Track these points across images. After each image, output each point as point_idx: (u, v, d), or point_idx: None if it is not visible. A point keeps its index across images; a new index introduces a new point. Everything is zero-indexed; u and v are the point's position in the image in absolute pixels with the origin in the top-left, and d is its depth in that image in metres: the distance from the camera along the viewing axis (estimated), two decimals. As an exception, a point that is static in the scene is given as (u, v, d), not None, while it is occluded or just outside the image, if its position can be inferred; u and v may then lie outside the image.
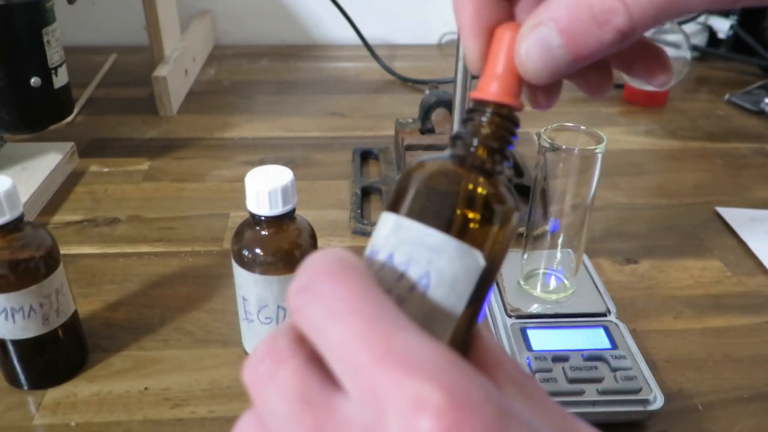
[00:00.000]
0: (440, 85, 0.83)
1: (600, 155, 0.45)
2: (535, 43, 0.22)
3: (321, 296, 0.19)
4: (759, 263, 0.59)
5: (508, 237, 0.25)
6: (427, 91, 0.75)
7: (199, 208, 0.66)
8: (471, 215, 0.23)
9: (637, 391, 0.42)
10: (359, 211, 0.64)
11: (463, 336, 0.23)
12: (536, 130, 0.47)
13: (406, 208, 0.23)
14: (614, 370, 0.43)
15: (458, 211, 0.23)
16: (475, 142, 0.25)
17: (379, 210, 0.66)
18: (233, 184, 0.70)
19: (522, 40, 0.22)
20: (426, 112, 0.69)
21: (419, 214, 0.23)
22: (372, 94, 0.96)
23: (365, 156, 0.77)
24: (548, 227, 0.49)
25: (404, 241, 0.23)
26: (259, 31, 1.16)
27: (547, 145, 0.45)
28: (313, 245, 0.43)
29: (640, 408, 0.42)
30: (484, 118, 0.25)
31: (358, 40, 1.04)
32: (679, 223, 0.65)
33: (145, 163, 0.74)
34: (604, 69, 0.26)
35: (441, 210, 0.23)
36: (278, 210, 0.41)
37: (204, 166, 0.74)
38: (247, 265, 0.42)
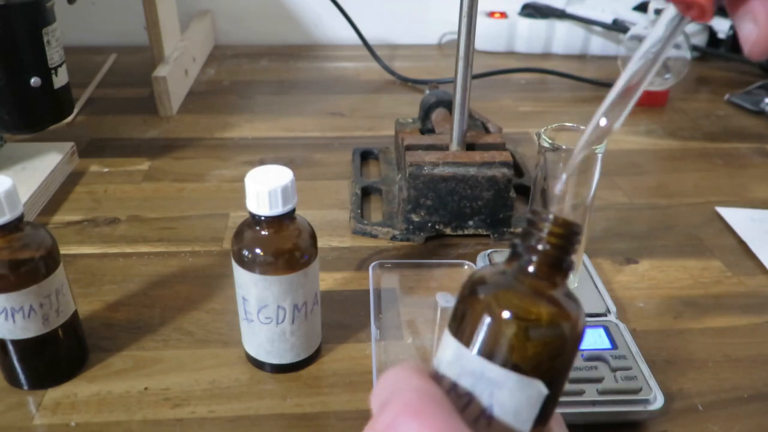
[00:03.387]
0: (440, 85, 0.83)
1: (600, 155, 0.45)
2: None
3: None
4: (759, 263, 0.59)
5: (574, 350, 0.24)
6: (427, 91, 0.75)
7: (199, 208, 0.66)
8: (533, 344, 0.23)
9: (637, 391, 0.42)
10: (359, 211, 0.64)
11: None
12: (536, 130, 0.47)
13: (465, 335, 0.23)
14: (614, 370, 0.43)
15: (519, 341, 0.23)
16: (535, 259, 0.24)
17: (379, 210, 0.66)
18: (233, 184, 0.70)
19: None
20: (426, 112, 0.69)
21: (478, 343, 0.23)
22: (372, 94, 0.96)
23: (365, 156, 0.77)
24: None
25: (466, 371, 0.23)
26: (259, 31, 1.16)
27: (547, 145, 0.45)
28: (313, 245, 0.43)
29: (640, 408, 0.42)
30: (543, 233, 0.24)
31: (358, 40, 1.04)
32: (679, 223, 0.65)
33: (145, 163, 0.74)
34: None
35: (501, 341, 0.23)
36: (278, 210, 0.41)
37: (204, 166, 0.74)
38: (247, 265, 0.42)
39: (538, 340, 0.23)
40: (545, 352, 0.23)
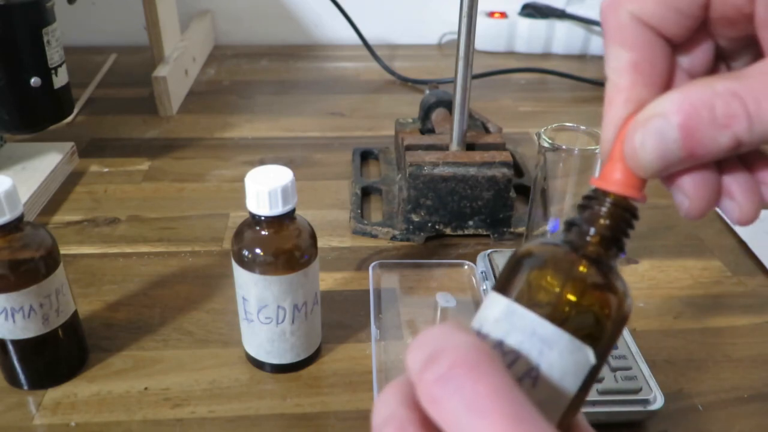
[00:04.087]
0: (440, 85, 0.84)
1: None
2: (652, 133, 0.21)
3: (462, 390, 0.19)
4: (759, 263, 0.59)
5: (619, 330, 0.24)
6: (427, 91, 0.75)
7: (199, 208, 0.66)
8: (585, 309, 0.23)
9: (637, 391, 0.42)
10: (359, 211, 0.64)
11: (567, 423, 0.23)
12: (536, 130, 0.47)
13: (518, 294, 0.23)
14: (614, 370, 0.43)
15: (572, 304, 0.23)
16: (592, 231, 0.24)
17: (379, 210, 0.66)
18: (233, 184, 0.70)
19: (637, 128, 0.22)
20: (426, 112, 0.69)
21: (532, 303, 0.23)
22: (372, 94, 0.96)
23: (365, 156, 0.77)
24: (548, 227, 0.49)
25: (516, 328, 0.22)
26: (259, 31, 1.16)
27: (547, 145, 0.45)
28: (313, 245, 0.43)
29: (640, 408, 0.42)
30: (603, 208, 0.24)
31: (358, 40, 1.04)
32: (679, 223, 0.65)
33: (145, 163, 0.74)
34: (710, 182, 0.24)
35: (555, 301, 0.23)
36: (278, 210, 0.41)
37: (204, 166, 0.74)
38: (247, 265, 0.42)
39: (593, 305, 0.23)
40: (597, 320, 0.23)
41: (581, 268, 0.24)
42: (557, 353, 0.22)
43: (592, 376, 0.23)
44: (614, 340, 0.24)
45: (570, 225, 0.25)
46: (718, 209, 0.67)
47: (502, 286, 0.24)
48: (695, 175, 0.23)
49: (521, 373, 0.22)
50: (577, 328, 0.23)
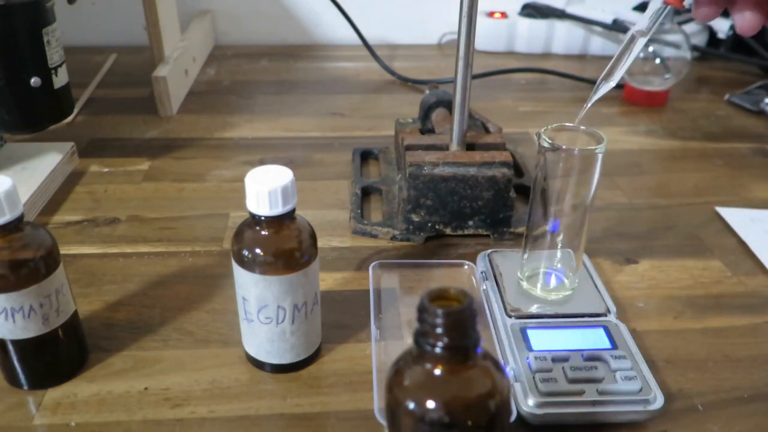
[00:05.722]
0: (440, 85, 0.84)
1: (600, 155, 0.45)
2: None
3: None
4: (759, 263, 0.59)
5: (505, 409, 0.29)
6: (427, 91, 0.75)
7: (199, 208, 0.66)
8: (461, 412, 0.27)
9: (637, 391, 0.42)
10: (359, 211, 0.64)
11: None
12: (536, 130, 0.47)
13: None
14: (614, 370, 0.43)
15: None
16: (440, 345, 0.27)
17: (379, 210, 0.66)
18: (233, 184, 0.70)
19: None
20: (426, 112, 0.69)
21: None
22: (372, 94, 0.96)
23: (365, 156, 0.77)
24: (548, 227, 0.49)
25: None
26: (259, 31, 1.16)
27: (547, 145, 0.45)
28: (313, 245, 0.43)
29: (640, 408, 0.42)
30: (438, 321, 0.26)
31: (358, 40, 1.04)
32: (679, 223, 0.65)
33: (145, 163, 0.74)
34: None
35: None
36: (278, 210, 0.41)
37: (204, 166, 0.74)
38: (247, 265, 0.42)
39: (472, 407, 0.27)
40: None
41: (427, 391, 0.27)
42: None
43: None
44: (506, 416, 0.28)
45: (417, 343, 0.27)
46: (717, 209, 0.67)
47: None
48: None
49: None
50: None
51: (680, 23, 0.99)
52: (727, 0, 0.34)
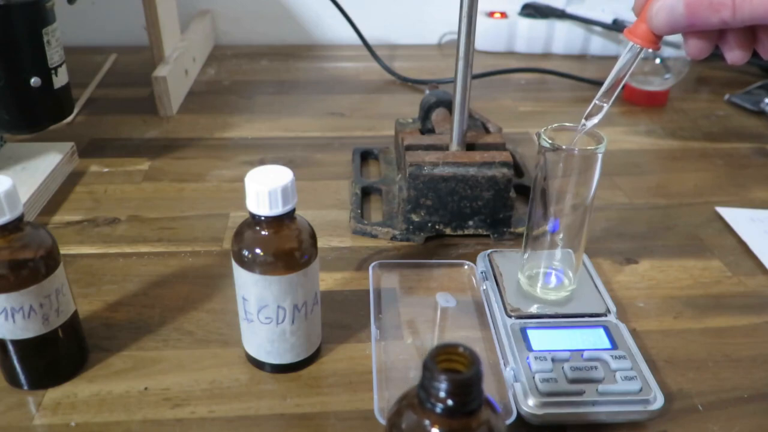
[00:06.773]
0: (440, 85, 0.84)
1: (600, 155, 0.45)
2: (665, 7, 0.36)
3: None
4: (759, 263, 0.59)
5: None
6: (427, 91, 0.75)
7: (199, 208, 0.66)
8: None
9: (637, 392, 0.42)
10: (359, 211, 0.64)
11: None
12: (536, 130, 0.47)
13: None
14: (614, 370, 0.43)
15: None
16: (438, 408, 0.26)
17: (379, 210, 0.66)
18: (233, 184, 0.70)
19: (656, 2, 0.36)
20: (426, 112, 0.69)
21: None
22: (372, 94, 0.96)
23: (365, 156, 0.77)
24: (548, 227, 0.49)
25: None
26: (259, 31, 1.16)
27: (547, 145, 0.45)
28: (313, 245, 0.43)
29: (640, 408, 0.42)
30: (441, 386, 0.26)
31: (358, 40, 1.04)
32: (679, 223, 0.65)
33: (145, 163, 0.74)
34: (708, 39, 0.38)
35: None
36: (278, 210, 0.41)
37: (204, 166, 0.74)
38: (247, 265, 0.42)
39: None
40: None
41: None
42: None
43: None
44: None
45: (419, 400, 0.27)
46: (717, 209, 0.67)
47: None
48: (698, 35, 0.37)
49: None
50: None
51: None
52: (717, 38, 0.37)
